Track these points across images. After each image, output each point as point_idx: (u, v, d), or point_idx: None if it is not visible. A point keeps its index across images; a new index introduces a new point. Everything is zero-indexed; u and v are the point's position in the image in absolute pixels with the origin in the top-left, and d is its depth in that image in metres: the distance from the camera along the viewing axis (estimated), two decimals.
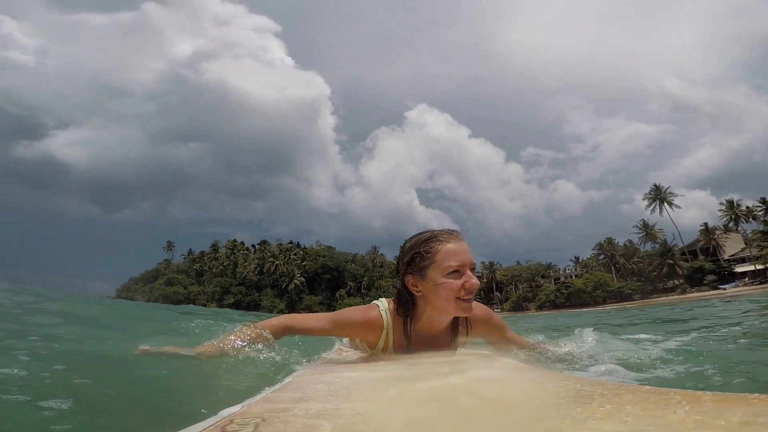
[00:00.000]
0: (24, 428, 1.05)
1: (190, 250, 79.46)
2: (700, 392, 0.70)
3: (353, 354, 1.64)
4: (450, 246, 1.44)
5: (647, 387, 0.85)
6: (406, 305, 1.52)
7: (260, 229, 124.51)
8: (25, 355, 1.73)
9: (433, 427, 0.66)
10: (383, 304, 1.59)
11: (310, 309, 68.72)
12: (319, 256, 74.05)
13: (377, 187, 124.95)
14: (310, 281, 72.76)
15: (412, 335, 1.54)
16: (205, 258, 77.77)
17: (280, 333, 1.57)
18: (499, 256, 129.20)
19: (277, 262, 72.93)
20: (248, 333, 1.52)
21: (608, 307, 42.79)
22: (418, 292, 1.48)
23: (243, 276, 73.26)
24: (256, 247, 78.73)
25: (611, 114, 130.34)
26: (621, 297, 50.39)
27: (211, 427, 0.67)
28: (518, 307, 62.41)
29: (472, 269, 1.44)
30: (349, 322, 1.59)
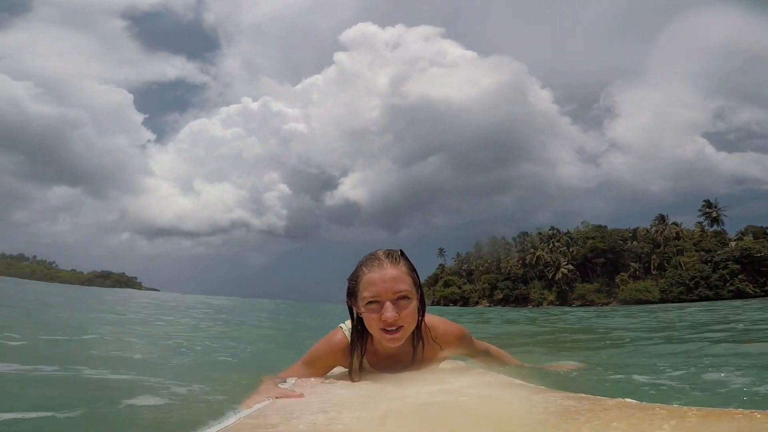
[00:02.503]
0: None
1: (458, 252, 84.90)
2: (685, 408, 0.70)
3: (338, 371, 1.68)
4: (370, 276, 1.42)
5: (634, 402, 0.85)
6: (359, 325, 1.54)
7: (515, 220, 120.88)
8: None
9: None
10: (346, 325, 1.62)
11: (583, 298, 59.52)
12: (588, 238, 64.34)
13: (639, 146, 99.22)
14: (581, 268, 63.89)
15: (372, 351, 1.57)
16: (471, 258, 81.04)
17: None
18: None
19: (538, 252, 67.63)
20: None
21: None
22: (360, 314, 1.48)
23: (507, 270, 71.70)
24: (516, 239, 75.96)
25: None
26: None
27: None
28: None
29: (400, 299, 1.40)
30: (317, 356, 1.61)
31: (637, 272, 58.98)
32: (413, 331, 1.49)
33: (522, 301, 67.62)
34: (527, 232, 77.09)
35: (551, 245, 69.45)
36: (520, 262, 71.46)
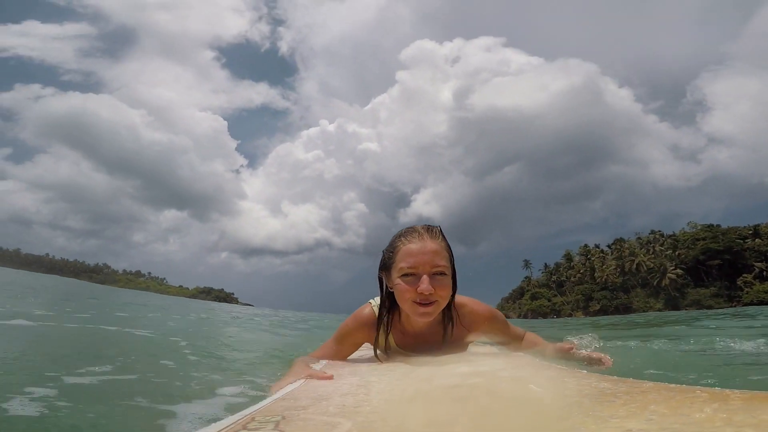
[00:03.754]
0: None
1: (545, 264, 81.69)
2: (728, 390, 0.68)
3: (368, 352, 1.69)
4: (409, 247, 1.40)
5: (673, 385, 0.81)
6: (387, 300, 1.51)
7: (609, 226, 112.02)
8: None
9: (451, 426, 0.65)
10: (375, 301, 1.58)
11: (698, 304, 54.07)
12: (697, 239, 59.14)
13: (745, 137, 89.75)
14: (692, 272, 58.49)
15: (399, 329, 1.55)
16: (561, 269, 77.70)
17: None
18: None
19: (638, 259, 63.13)
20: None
21: None
22: (390, 288, 1.46)
23: (603, 280, 67.43)
24: (611, 247, 71.53)
25: None
26: None
27: (233, 425, 0.68)
28: None
29: (437, 273, 1.37)
30: (346, 331, 1.59)
31: (765, 272, 52.65)
32: (443, 311, 1.46)
33: (623, 311, 62.91)
34: (623, 238, 72.46)
35: (652, 250, 64.52)
36: (618, 270, 67.05)
